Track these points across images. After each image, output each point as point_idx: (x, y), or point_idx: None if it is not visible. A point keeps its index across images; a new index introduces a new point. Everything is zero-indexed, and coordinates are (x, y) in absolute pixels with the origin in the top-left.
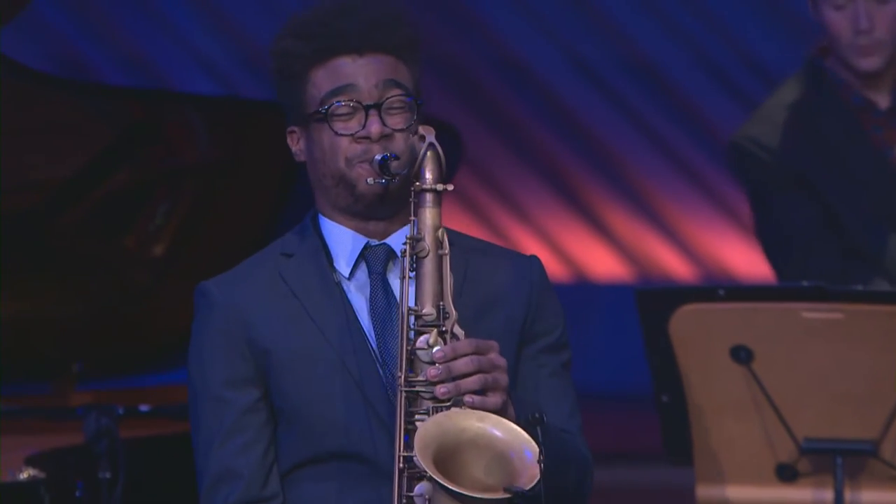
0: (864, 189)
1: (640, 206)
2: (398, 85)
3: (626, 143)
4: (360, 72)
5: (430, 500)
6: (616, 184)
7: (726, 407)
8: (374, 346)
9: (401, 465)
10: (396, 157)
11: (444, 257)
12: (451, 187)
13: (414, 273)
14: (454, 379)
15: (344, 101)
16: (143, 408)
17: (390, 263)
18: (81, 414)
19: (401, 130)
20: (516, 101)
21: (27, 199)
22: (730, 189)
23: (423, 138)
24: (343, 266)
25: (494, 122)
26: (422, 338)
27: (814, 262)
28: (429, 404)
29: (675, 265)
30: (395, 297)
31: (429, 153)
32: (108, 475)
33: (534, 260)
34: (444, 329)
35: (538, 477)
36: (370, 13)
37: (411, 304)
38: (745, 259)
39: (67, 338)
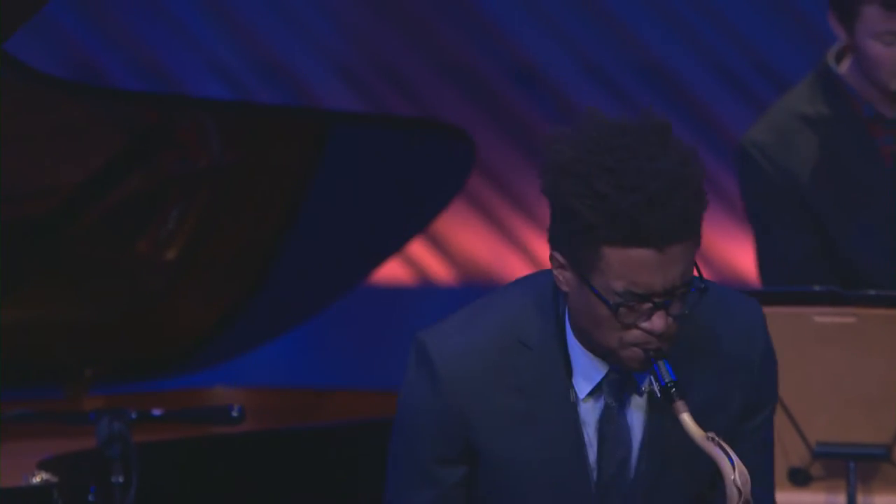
0: (869, 202)
1: None
2: (687, 274)
3: None
4: (659, 270)
5: None
6: None
7: None
8: (594, 478)
9: None
10: (675, 386)
11: None
12: None
13: None
14: None
15: (635, 298)
16: (156, 412)
17: (628, 388)
18: (94, 418)
19: (680, 317)
20: (529, 106)
21: (41, 205)
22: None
23: (740, 492)
24: (581, 387)
25: (507, 126)
26: None
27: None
28: None
29: None
30: (628, 428)
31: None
32: (120, 479)
33: (756, 324)
34: None
35: None
36: (679, 205)
37: None
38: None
39: (80, 342)
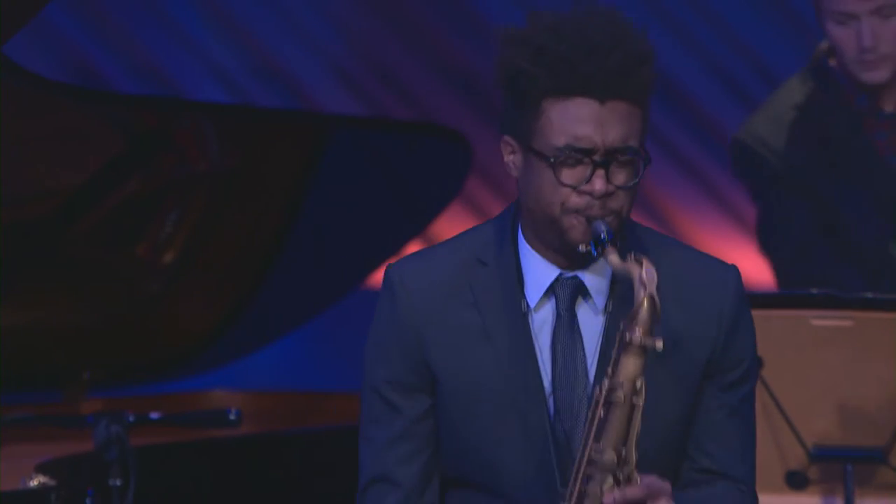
0: (864, 193)
1: (648, 212)
2: (631, 139)
3: None
4: (597, 122)
5: None
6: None
7: None
8: (547, 388)
9: None
10: (613, 238)
11: (636, 408)
12: (660, 346)
13: (603, 413)
14: None
15: (575, 154)
16: (154, 415)
17: (579, 298)
18: (92, 421)
19: (623, 188)
20: None
21: (39, 208)
22: (739, 195)
23: (644, 287)
24: (532, 295)
25: None
26: (594, 482)
27: (809, 265)
28: None
29: None
30: (580, 338)
31: (646, 304)
32: (118, 483)
33: (730, 277)
34: (619, 476)
35: None
36: (618, 57)
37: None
38: (754, 266)
39: (78, 346)
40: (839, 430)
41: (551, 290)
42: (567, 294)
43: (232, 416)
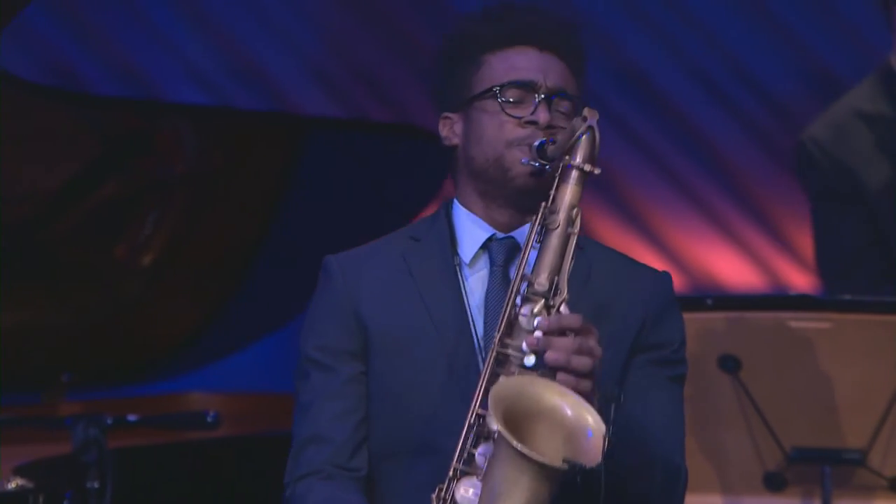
0: None
1: (628, 215)
2: (569, 88)
3: (616, 153)
4: (539, 66)
5: (489, 459)
6: (604, 193)
7: (714, 416)
8: (479, 335)
9: (471, 420)
10: (554, 142)
11: (571, 236)
12: (598, 171)
13: (539, 244)
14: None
15: (518, 89)
16: (132, 417)
17: (514, 258)
18: (70, 424)
19: (563, 128)
20: None
21: (17, 210)
22: (718, 198)
23: (584, 119)
24: (466, 252)
25: None
26: (527, 306)
27: (858, 276)
28: (516, 370)
29: None
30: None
31: (585, 135)
32: (96, 485)
33: (663, 276)
34: (551, 303)
35: (600, 458)
36: (556, 16)
37: (528, 271)
38: (734, 269)
39: (57, 347)
40: (817, 432)
41: (486, 249)
42: (501, 252)
43: (210, 419)
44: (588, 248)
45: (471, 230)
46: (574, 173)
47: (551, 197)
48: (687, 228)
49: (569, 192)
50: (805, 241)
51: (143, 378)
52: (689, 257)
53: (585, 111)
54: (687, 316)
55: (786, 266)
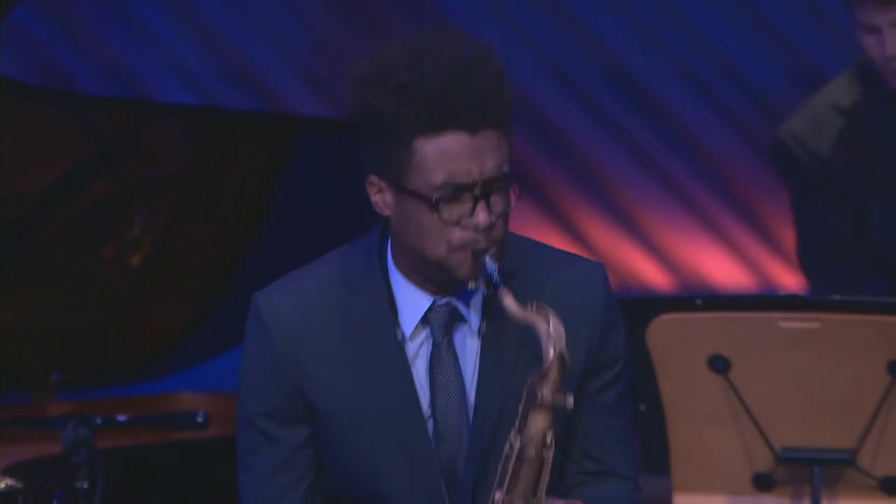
0: None
1: (617, 215)
2: (504, 165)
3: (604, 153)
4: (472, 155)
5: None
6: (594, 193)
7: (704, 416)
8: (426, 413)
9: None
10: (501, 275)
11: (546, 460)
12: (570, 404)
13: (514, 468)
14: None
15: (454, 190)
16: (121, 418)
17: (455, 324)
18: (59, 424)
19: (503, 215)
20: None
21: (6, 210)
22: (708, 199)
23: (554, 345)
24: (407, 324)
25: None
26: None
27: (840, 269)
28: None
29: (652, 275)
30: (457, 362)
31: (557, 363)
32: (85, 485)
33: (597, 280)
34: None
35: None
36: (481, 82)
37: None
38: (723, 269)
39: (46, 348)
40: (807, 433)
41: (426, 318)
42: (442, 321)
43: (199, 419)
44: (521, 272)
45: (409, 298)
46: (546, 406)
47: (521, 423)
48: (676, 229)
49: (541, 421)
50: (794, 242)
51: (132, 378)
52: (678, 257)
53: (552, 323)
54: (676, 316)
55: (775, 266)
